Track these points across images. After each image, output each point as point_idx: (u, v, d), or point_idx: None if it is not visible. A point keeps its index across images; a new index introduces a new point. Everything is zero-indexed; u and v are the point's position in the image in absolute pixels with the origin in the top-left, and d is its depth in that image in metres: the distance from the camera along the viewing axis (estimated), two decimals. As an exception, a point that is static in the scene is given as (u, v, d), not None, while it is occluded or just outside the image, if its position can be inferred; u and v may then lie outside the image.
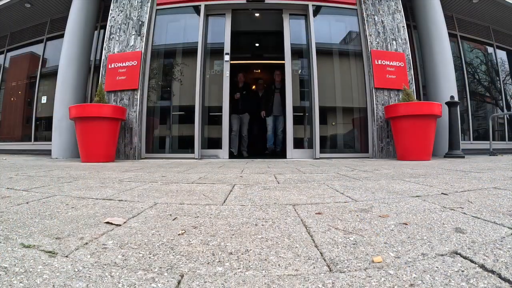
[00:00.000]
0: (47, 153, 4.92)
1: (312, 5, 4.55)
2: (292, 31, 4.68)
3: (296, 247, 0.63)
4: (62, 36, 4.94)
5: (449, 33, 5.05)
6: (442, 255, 0.56)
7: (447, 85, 4.66)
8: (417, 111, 3.62)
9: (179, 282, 0.47)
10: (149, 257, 0.57)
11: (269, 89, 5.73)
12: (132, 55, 4.30)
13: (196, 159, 4.17)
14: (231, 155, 4.77)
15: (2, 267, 0.51)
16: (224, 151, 4.38)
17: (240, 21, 5.80)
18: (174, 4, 4.67)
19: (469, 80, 6.17)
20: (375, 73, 4.26)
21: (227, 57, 4.47)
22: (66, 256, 0.57)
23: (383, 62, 4.29)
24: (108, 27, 4.51)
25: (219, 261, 0.55)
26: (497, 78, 6.64)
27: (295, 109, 4.50)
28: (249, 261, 0.55)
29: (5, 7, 5.66)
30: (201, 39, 4.42)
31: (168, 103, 4.69)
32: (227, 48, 4.52)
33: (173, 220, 0.85)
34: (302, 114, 4.70)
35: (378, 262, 0.53)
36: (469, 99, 6.02)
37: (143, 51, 4.31)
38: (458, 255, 0.56)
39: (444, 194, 1.23)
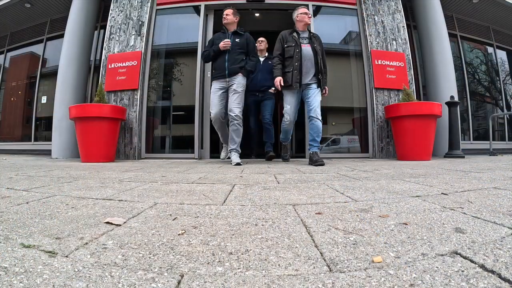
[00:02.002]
0: (47, 153, 4.92)
1: (312, 5, 4.55)
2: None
3: (296, 247, 0.63)
4: (62, 36, 4.95)
5: (449, 33, 5.05)
6: (442, 255, 0.56)
7: (447, 85, 4.66)
8: (417, 111, 3.62)
9: (179, 282, 0.47)
10: (149, 257, 0.57)
11: (290, 38, 3.10)
12: (132, 55, 4.31)
13: (196, 159, 4.17)
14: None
15: (2, 267, 0.51)
16: (205, 151, 4.36)
17: (240, 21, 5.80)
18: (174, 4, 4.67)
19: (469, 80, 6.17)
20: (375, 73, 4.26)
21: None
22: (66, 256, 0.57)
23: (383, 62, 4.30)
24: (108, 27, 4.51)
25: (219, 261, 0.55)
26: (497, 78, 6.64)
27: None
28: (249, 261, 0.55)
29: (5, 7, 5.66)
30: (201, 39, 4.42)
31: (168, 103, 4.70)
32: None
33: (173, 220, 0.85)
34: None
35: (378, 262, 0.53)
36: (469, 99, 6.02)
37: (143, 51, 4.31)
38: (458, 255, 0.56)
39: (444, 194, 1.23)
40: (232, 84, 3.19)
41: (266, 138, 4.00)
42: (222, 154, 3.56)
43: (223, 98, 3.22)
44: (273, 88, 3.50)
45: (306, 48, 3.06)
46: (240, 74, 3.19)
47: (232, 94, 3.19)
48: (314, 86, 3.08)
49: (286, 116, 3.18)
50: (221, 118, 3.24)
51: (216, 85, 3.25)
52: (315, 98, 3.03)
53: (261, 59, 4.02)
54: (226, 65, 3.17)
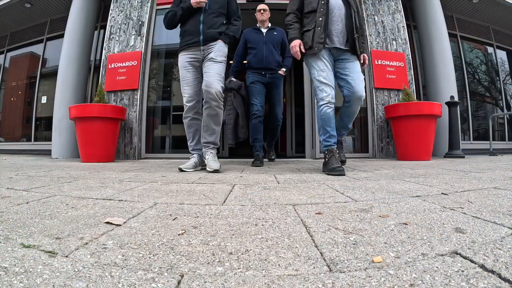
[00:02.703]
0: (47, 153, 4.92)
1: (312, 5, 4.55)
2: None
3: (296, 247, 0.63)
4: (62, 36, 4.94)
5: (449, 33, 5.05)
6: (442, 255, 0.56)
7: (447, 85, 4.66)
8: (417, 111, 3.62)
9: (179, 282, 0.47)
10: (149, 257, 0.57)
11: None
12: (132, 55, 4.31)
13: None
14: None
15: (2, 267, 0.51)
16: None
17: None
18: (174, 4, 4.67)
19: (469, 80, 6.18)
20: (375, 73, 4.26)
21: None
22: (66, 256, 0.57)
23: (383, 62, 4.30)
24: (108, 27, 4.51)
25: (219, 261, 0.55)
26: (497, 78, 6.64)
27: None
28: (249, 261, 0.55)
29: (5, 7, 5.66)
30: (201, 39, 4.42)
31: (168, 103, 4.70)
32: None
33: (173, 220, 0.85)
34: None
35: (378, 262, 0.53)
36: (469, 99, 6.02)
37: (143, 51, 4.31)
38: (458, 255, 0.56)
39: (444, 194, 1.23)
40: (209, 53, 2.31)
41: (270, 138, 3.49)
42: (191, 162, 2.36)
43: (199, 75, 2.37)
44: (284, 70, 2.94)
45: (337, 4, 2.17)
46: (220, 40, 2.33)
47: (209, 64, 2.28)
48: (350, 56, 2.20)
49: (325, 89, 2.09)
50: (198, 107, 2.38)
51: (186, 58, 2.35)
52: (357, 74, 2.16)
53: (264, 31, 3.28)
54: (201, 28, 2.30)
